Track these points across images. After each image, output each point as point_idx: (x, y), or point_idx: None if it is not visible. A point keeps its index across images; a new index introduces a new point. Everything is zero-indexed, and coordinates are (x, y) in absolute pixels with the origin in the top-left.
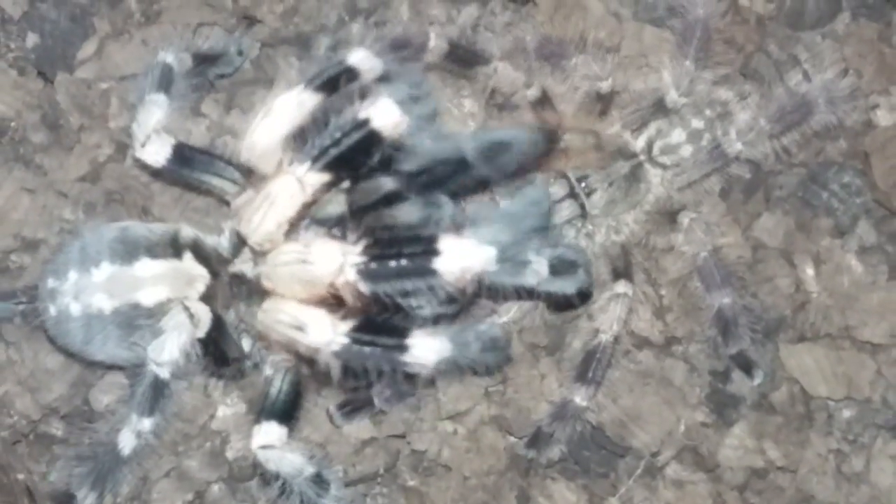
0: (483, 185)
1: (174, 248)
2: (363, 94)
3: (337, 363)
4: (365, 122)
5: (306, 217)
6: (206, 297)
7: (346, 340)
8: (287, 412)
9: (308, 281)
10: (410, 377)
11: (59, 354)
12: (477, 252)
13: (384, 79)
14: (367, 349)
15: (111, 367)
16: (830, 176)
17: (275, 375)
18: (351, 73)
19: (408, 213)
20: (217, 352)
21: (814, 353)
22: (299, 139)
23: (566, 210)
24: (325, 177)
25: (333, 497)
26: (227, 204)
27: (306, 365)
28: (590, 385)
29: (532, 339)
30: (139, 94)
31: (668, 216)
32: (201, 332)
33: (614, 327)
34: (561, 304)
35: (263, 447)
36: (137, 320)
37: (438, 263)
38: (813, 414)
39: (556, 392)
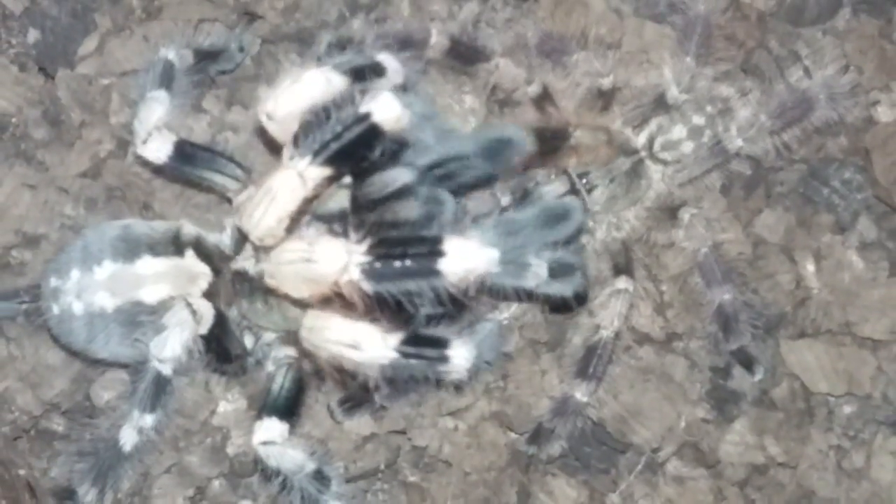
0: (486, 182)
1: (176, 245)
2: (364, 90)
3: (380, 375)
4: (366, 116)
5: (307, 212)
6: (209, 295)
7: (395, 355)
8: (288, 408)
9: (311, 279)
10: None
11: (60, 350)
12: (481, 254)
13: (405, 87)
14: (413, 362)
15: (114, 365)
16: (831, 172)
17: (276, 372)
18: (378, 70)
19: (410, 209)
20: (219, 348)
21: (814, 350)
22: (301, 135)
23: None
24: (326, 171)
25: (334, 493)
26: (229, 201)
27: (340, 374)
28: (590, 381)
29: (533, 334)
30: (140, 91)
31: (669, 212)
32: (203, 329)
33: (615, 323)
34: (557, 306)
35: (264, 443)
36: (140, 318)
37: (443, 264)
38: (813, 410)
39: (557, 388)
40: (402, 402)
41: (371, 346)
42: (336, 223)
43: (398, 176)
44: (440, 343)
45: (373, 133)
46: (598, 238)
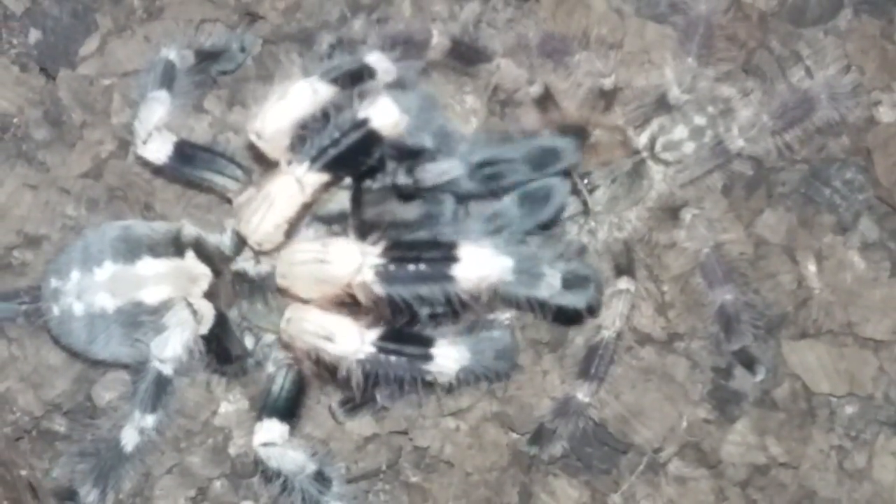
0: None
1: (176, 246)
2: (362, 94)
3: (359, 371)
4: (364, 122)
5: (306, 216)
6: (209, 296)
7: (372, 350)
8: (289, 410)
9: (324, 280)
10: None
11: (61, 351)
12: (495, 261)
13: (398, 84)
14: (392, 358)
15: (114, 365)
16: (833, 172)
17: (277, 373)
18: (367, 72)
19: (408, 209)
20: (220, 349)
21: (816, 350)
22: (299, 140)
23: (569, 207)
24: (324, 177)
25: (335, 494)
26: (229, 201)
27: (316, 367)
28: (592, 381)
29: (534, 335)
30: (141, 91)
31: (671, 212)
32: (204, 329)
33: (617, 324)
34: (569, 317)
35: (265, 444)
36: (140, 319)
37: (457, 270)
38: (815, 410)
39: (559, 388)
40: (404, 403)
41: (345, 339)
42: (336, 224)
43: (449, 168)
44: (424, 341)
45: (371, 139)
46: (599, 238)
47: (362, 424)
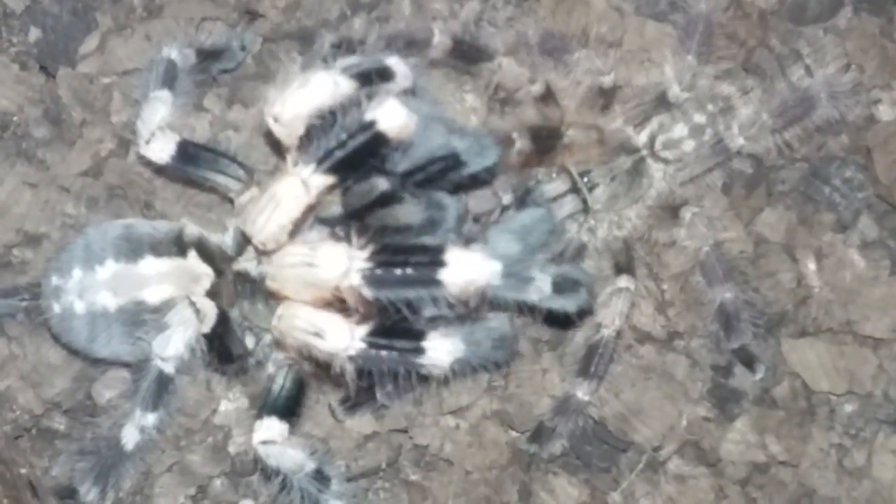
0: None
1: (178, 245)
2: (370, 95)
3: (351, 367)
4: (371, 124)
5: (309, 217)
6: (211, 295)
7: (362, 345)
8: (289, 408)
9: (313, 283)
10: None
11: (62, 349)
12: (483, 265)
13: (414, 91)
14: (383, 353)
15: (115, 364)
16: (832, 171)
17: (277, 372)
18: (386, 74)
19: (411, 214)
20: (221, 348)
21: (816, 348)
22: (305, 142)
23: (568, 205)
24: (329, 179)
25: (334, 492)
26: (231, 201)
27: (315, 366)
28: (592, 380)
29: (534, 333)
30: (143, 90)
31: (671, 211)
32: (206, 328)
33: (616, 322)
34: (559, 321)
35: (264, 442)
36: (142, 317)
37: (444, 274)
38: (815, 408)
39: (558, 387)
40: (404, 401)
41: (335, 335)
42: (339, 226)
43: (375, 184)
44: (415, 335)
45: (378, 141)
46: (599, 237)
47: (362, 423)
